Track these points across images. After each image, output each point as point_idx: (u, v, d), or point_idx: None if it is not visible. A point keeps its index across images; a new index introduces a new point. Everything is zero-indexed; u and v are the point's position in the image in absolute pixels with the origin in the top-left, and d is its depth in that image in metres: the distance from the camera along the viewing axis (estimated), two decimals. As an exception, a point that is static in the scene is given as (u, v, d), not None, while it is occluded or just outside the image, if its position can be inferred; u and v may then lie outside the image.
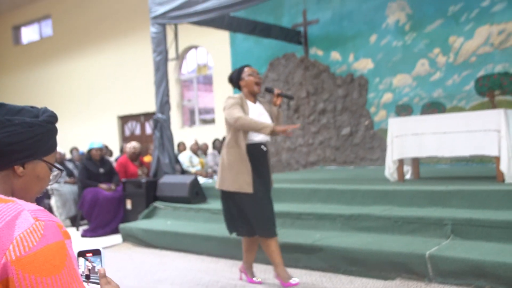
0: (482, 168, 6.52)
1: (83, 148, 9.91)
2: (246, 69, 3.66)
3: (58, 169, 1.18)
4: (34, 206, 1.00)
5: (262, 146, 3.61)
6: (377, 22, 8.48)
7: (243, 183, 3.47)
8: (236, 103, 3.52)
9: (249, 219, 3.55)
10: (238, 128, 3.45)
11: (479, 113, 4.78)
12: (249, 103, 3.61)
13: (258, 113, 3.58)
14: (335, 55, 9.07)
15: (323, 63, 9.23)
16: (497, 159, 4.57)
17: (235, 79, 3.70)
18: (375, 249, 3.78)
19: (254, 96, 3.67)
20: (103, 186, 6.51)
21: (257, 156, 3.57)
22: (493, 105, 7.25)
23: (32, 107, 1.15)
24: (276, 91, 3.66)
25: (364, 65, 8.67)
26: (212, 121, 11.59)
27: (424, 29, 7.95)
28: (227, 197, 3.61)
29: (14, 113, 1.09)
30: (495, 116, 4.56)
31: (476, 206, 4.11)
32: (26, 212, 0.96)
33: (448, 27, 7.71)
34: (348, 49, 8.86)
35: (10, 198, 1.01)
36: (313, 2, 9.30)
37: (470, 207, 4.14)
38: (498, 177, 4.60)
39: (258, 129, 3.33)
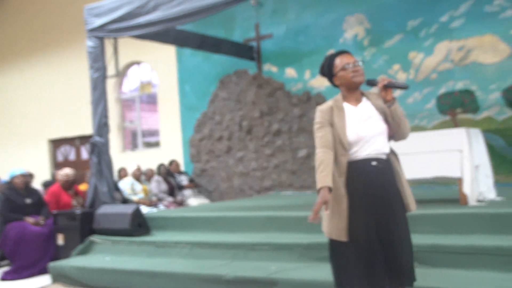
0: (446, 191, 6.74)
1: (6, 177, 9.56)
2: (337, 61, 2.93)
3: None
4: None
5: (373, 163, 2.74)
6: (335, 36, 8.73)
7: (335, 227, 2.75)
8: (323, 123, 2.83)
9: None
10: None
11: (441, 133, 4.99)
12: (348, 108, 2.83)
13: (362, 117, 2.79)
14: (290, 72, 9.24)
15: (277, 80, 9.37)
16: (460, 180, 4.75)
17: (327, 76, 3.02)
18: (335, 280, 3.81)
19: (358, 93, 2.89)
20: (30, 219, 6.26)
21: (365, 180, 2.73)
22: (455, 123, 7.57)
23: None
24: (381, 82, 2.76)
25: (321, 83, 8.87)
26: (157, 144, 11.48)
27: (383, 44, 8.25)
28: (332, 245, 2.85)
29: None
30: (457, 136, 4.76)
31: (440, 231, 4.25)
32: None
33: (407, 43, 8.03)
34: (304, 66, 9.05)
35: None
36: (267, 15, 9.48)
37: (434, 232, 4.27)
38: (461, 199, 4.78)
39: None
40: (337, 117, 2.82)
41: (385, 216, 2.72)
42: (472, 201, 4.67)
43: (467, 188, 4.66)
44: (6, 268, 6.35)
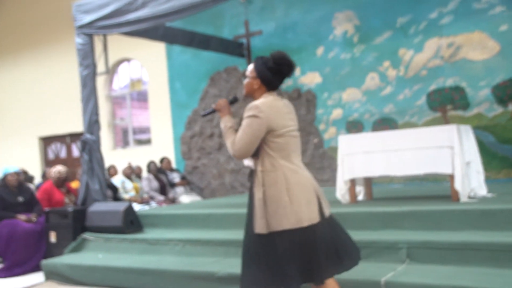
0: (437, 187, 6.77)
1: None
2: None
3: None
4: None
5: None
6: (324, 33, 8.71)
7: None
8: None
9: None
10: None
11: (431, 129, 4.98)
12: None
13: None
14: (280, 69, 9.19)
15: (268, 77, 9.33)
16: (451, 177, 4.76)
17: None
18: (327, 277, 3.81)
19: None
20: (22, 217, 6.22)
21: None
22: (445, 120, 7.59)
23: None
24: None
25: (311, 79, 8.86)
26: (148, 141, 11.42)
27: (373, 41, 8.25)
28: None
29: None
30: (447, 132, 4.77)
31: (431, 228, 4.25)
32: None
33: (397, 40, 8.03)
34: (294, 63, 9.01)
35: None
36: (256, 12, 9.44)
37: (425, 229, 4.27)
38: (452, 196, 4.79)
39: None
40: None
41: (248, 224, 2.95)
42: (463, 198, 4.68)
43: (458, 185, 4.67)
44: (-1, 266, 6.30)
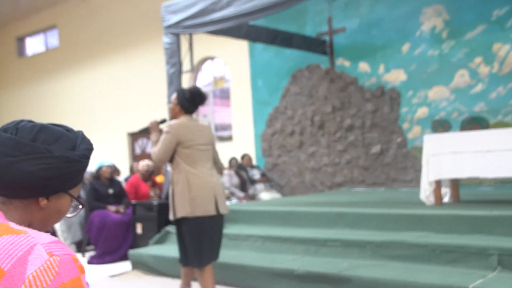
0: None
1: (90, 167, 9.99)
2: None
3: (81, 203, 1.22)
4: (47, 237, 1.00)
5: None
6: (410, 29, 8.45)
7: None
8: None
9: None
10: None
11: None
12: None
13: None
14: (363, 66, 9.04)
15: (350, 75, 9.21)
16: (547, 180, 4.47)
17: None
18: (409, 280, 3.70)
19: None
20: (112, 208, 6.55)
21: None
22: (542, 120, 7.12)
23: (68, 129, 1.19)
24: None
25: (395, 77, 8.62)
26: (229, 138, 11.62)
27: (464, 36, 7.89)
28: None
29: (53, 140, 1.12)
30: (544, 133, 4.48)
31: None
32: (39, 247, 0.96)
33: (491, 34, 7.62)
34: (378, 60, 8.83)
35: (23, 228, 1.01)
36: (339, 9, 9.33)
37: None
38: (549, 200, 4.50)
39: None
40: None
41: None
42: (561, 203, 4.38)
43: (555, 189, 4.37)
44: (92, 253, 6.70)
